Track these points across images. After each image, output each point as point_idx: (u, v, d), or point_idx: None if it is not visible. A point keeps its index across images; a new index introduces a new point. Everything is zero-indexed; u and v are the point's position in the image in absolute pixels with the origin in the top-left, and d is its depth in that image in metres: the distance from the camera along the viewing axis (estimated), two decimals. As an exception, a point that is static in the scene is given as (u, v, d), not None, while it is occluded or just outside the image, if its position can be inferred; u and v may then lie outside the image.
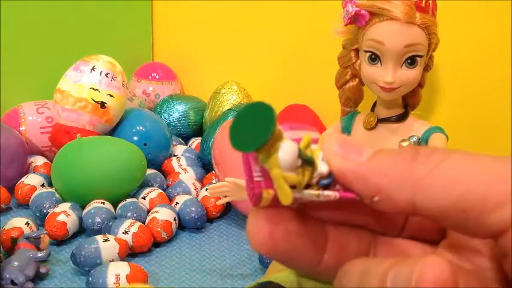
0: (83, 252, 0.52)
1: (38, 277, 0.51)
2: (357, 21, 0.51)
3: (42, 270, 0.51)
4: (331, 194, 0.17)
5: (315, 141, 0.17)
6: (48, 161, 0.70)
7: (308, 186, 0.17)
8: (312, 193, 0.16)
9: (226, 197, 0.48)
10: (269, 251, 0.17)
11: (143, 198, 0.64)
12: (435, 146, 0.15)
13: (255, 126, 0.15)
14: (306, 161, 0.16)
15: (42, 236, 0.52)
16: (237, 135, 0.16)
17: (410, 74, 0.51)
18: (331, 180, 0.17)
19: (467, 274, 0.16)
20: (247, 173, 0.17)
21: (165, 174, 0.72)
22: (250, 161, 0.17)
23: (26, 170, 0.68)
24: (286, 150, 0.16)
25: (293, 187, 0.16)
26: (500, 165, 0.14)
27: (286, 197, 0.15)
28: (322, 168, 0.17)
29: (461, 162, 0.15)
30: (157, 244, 0.58)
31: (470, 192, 0.14)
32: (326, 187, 0.17)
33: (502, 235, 0.14)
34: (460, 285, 0.14)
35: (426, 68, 0.55)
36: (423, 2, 0.50)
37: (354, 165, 0.16)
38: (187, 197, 0.63)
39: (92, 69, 0.70)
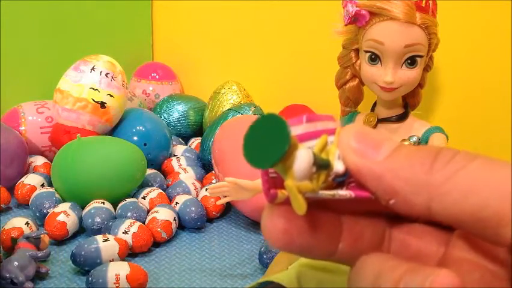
0: (83, 252, 0.51)
1: (38, 277, 0.51)
2: (357, 21, 0.51)
3: (42, 270, 0.51)
4: (346, 194, 0.16)
5: (332, 132, 0.17)
6: (48, 161, 0.70)
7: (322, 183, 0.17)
8: (327, 193, 0.16)
9: (226, 197, 0.48)
10: (284, 246, 0.17)
11: (143, 198, 0.64)
12: (455, 149, 0.15)
13: (270, 141, 0.15)
14: (322, 166, 0.16)
15: (42, 236, 0.52)
16: (252, 150, 0.15)
17: (410, 74, 0.51)
18: (346, 177, 0.17)
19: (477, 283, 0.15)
20: None
21: (165, 174, 0.72)
22: None
23: (26, 170, 0.68)
24: (300, 161, 0.15)
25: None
26: None
27: (300, 207, 0.15)
28: (338, 167, 0.16)
29: (480, 170, 0.14)
30: (157, 244, 0.58)
31: (487, 204, 0.14)
32: (341, 183, 0.17)
33: None
34: None
35: (426, 68, 0.55)
36: (424, 2, 0.50)
37: (371, 163, 0.16)
38: (187, 197, 0.63)
39: (92, 69, 0.70)
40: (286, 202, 0.16)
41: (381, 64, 0.51)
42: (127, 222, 0.56)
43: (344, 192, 0.16)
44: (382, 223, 0.18)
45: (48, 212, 0.58)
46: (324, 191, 0.16)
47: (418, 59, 0.51)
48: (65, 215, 0.57)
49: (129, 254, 0.55)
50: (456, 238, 0.18)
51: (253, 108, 0.77)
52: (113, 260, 0.52)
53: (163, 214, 0.58)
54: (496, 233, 0.14)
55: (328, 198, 0.16)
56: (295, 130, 0.16)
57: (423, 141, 0.52)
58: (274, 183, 0.16)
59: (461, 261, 0.17)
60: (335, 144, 0.17)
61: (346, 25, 0.53)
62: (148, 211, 0.61)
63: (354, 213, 0.18)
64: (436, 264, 0.18)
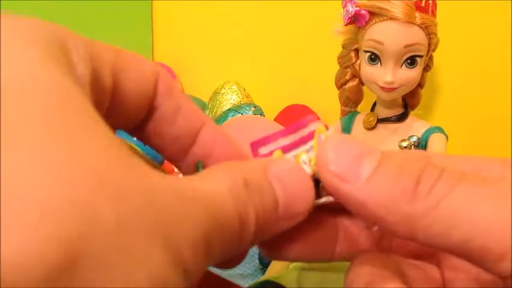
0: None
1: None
2: (357, 21, 0.51)
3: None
4: (326, 200, 0.16)
5: (310, 137, 0.17)
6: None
7: None
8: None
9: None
10: (278, 257, 0.17)
11: (143, 198, 0.64)
12: (439, 170, 0.14)
13: None
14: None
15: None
16: None
17: (410, 74, 0.51)
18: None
19: None
20: None
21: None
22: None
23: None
24: None
25: None
26: (503, 205, 0.13)
27: None
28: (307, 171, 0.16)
29: (463, 200, 0.14)
30: (157, 244, 0.58)
31: (471, 238, 0.13)
32: (316, 185, 0.17)
33: (507, 279, 0.13)
34: None
35: (426, 68, 0.55)
36: (423, 2, 0.50)
37: (352, 189, 0.15)
38: (187, 197, 0.63)
39: (92, 69, 0.70)
40: None
41: (381, 64, 0.51)
42: (127, 222, 0.56)
43: (323, 200, 0.16)
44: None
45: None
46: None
47: (418, 59, 0.51)
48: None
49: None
50: None
51: (253, 108, 0.77)
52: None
53: (163, 214, 0.58)
54: (481, 264, 0.14)
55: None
56: (282, 142, 0.17)
57: (423, 141, 0.52)
58: None
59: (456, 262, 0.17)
60: (315, 147, 0.17)
61: (346, 25, 0.53)
62: (148, 211, 0.61)
63: (349, 216, 0.18)
64: (436, 261, 0.18)
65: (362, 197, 0.15)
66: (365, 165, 0.15)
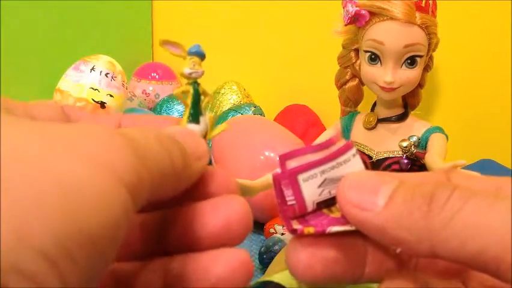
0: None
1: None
2: (357, 21, 0.51)
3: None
4: (349, 228, 0.17)
5: (337, 154, 0.17)
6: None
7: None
8: (335, 229, 0.17)
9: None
10: (309, 281, 0.17)
11: (143, 198, 0.64)
12: (451, 187, 0.16)
13: None
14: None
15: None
16: None
17: (410, 74, 0.51)
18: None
19: None
20: (279, 195, 0.18)
21: (165, 174, 0.72)
22: (281, 186, 0.17)
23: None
24: None
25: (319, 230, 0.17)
26: None
27: None
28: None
29: (476, 214, 0.14)
30: (157, 244, 0.58)
31: (486, 250, 0.14)
32: (330, 205, 0.18)
33: None
34: None
35: (426, 68, 0.55)
36: (423, 1, 0.50)
37: (372, 216, 0.16)
38: (187, 197, 0.63)
39: (92, 69, 0.70)
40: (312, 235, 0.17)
41: (381, 64, 0.51)
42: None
43: (347, 227, 0.17)
44: None
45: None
46: (336, 228, 0.17)
47: (418, 59, 0.51)
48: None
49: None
50: None
51: (253, 108, 0.77)
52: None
53: (163, 214, 0.58)
54: (497, 274, 0.14)
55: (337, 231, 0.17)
56: (310, 157, 0.18)
57: (423, 141, 0.52)
58: (294, 211, 0.18)
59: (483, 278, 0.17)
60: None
61: (346, 25, 0.53)
62: (148, 211, 0.61)
63: None
64: (462, 279, 0.18)
65: (380, 222, 0.16)
66: (381, 193, 0.16)
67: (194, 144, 0.18)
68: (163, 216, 0.19)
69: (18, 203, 0.12)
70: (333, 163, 0.17)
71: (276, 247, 0.53)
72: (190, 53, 0.20)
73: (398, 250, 0.16)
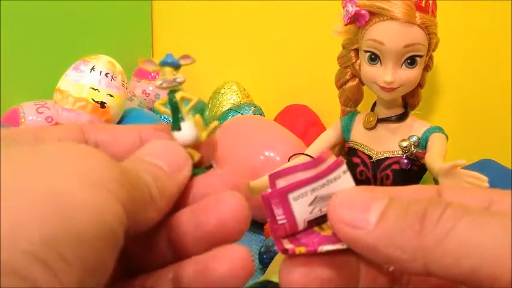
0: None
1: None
2: (357, 21, 0.51)
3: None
4: (340, 247, 0.17)
5: (328, 171, 0.17)
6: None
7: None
8: (327, 249, 0.17)
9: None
10: None
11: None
12: (443, 205, 0.16)
13: None
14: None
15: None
16: None
17: (410, 74, 0.51)
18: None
19: None
20: (270, 214, 0.18)
21: (165, 174, 0.72)
22: (272, 205, 0.17)
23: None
24: None
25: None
26: (507, 235, 0.14)
27: None
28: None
29: (470, 231, 0.14)
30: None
31: (482, 267, 0.14)
32: (321, 222, 0.18)
33: None
34: None
35: (426, 68, 0.55)
36: (423, 1, 0.50)
37: (364, 234, 0.16)
38: (187, 197, 0.63)
39: (92, 69, 0.70)
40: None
41: (381, 64, 0.51)
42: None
43: (338, 246, 0.17)
44: None
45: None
46: (327, 247, 0.17)
47: (418, 58, 0.51)
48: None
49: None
50: None
51: (253, 108, 0.77)
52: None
53: (163, 214, 0.58)
54: None
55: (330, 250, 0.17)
56: (300, 176, 0.17)
57: (423, 141, 0.52)
58: (285, 230, 0.17)
59: None
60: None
61: (346, 25, 0.53)
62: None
63: None
64: None
65: (372, 240, 0.16)
66: (372, 211, 0.16)
67: (172, 158, 0.19)
68: (163, 226, 0.19)
69: (9, 209, 0.12)
70: (324, 181, 0.17)
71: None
72: (160, 64, 0.20)
73: (391, 268, 0.16)
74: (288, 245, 0.17)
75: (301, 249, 0.17)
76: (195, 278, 0.17)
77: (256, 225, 0.61)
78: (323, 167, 0.17)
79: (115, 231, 0.14)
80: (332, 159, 0.18)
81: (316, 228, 0.18)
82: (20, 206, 0.13)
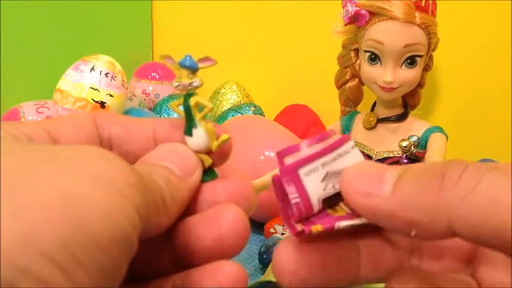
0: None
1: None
2: (357, 21, 0.51)
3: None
4: (358, 222, 0.16)
5: (334, 146, 0.17)
6: (48, 161, 0.70)
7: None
8: (345, 224, 0.16)
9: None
10: (296, 286, 0.17)
11: (143, 198, 0.64)
12: (461, 164, 0.14)
13: None
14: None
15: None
16: None
17: (410, 74, 0.51)
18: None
19: None
20: (281, 196, 0.17)
21: (165, 174, 0.72)
22: (283, 183, 0.17)
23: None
24: None
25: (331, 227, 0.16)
26: None
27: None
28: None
29: (495, 188, 0.13)
30: (156, 244, 0.58)
31: (509, 227, 0.13)
32: (333, 204, 0.17)
33: None
34: None
35: (426, 68, 0.55)
36: (423, 1, 0.50)
37: (379, 202, 0.15)
38: (187, 196, 0.63)
39: (92, 69, 0.70)
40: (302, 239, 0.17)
41: (380, 64, 0.51)
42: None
43: (355, 221, 0.16)
44: (405, 240, 0.18)
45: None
46: (346, 222, 0.16)
47: (418, 58, 0.51)
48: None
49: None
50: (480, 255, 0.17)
51: (253, 108, 0.77)
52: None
53: (163, 214, 0.58)
54: None
55: (347, 228, 0.16)
56: (307, 151, 0.17)
57: (423, 140, 0.52)
58: (299, 211, 0.17)
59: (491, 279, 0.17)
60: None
61: (346, 25, 0.53)
62: (148, 211, 0.61)
63: (371, 235, 0.18)
64: (470, 273, 0.18)
65: (390, 206, 0.15)
66: (388, 179, 0.15)
67: (184, 161, 0.19)
68: (168, 233, 0.19)
69: (25, 210, 0.12)
70: (334, 154, 0.17)
71: (276, 247, 0.53)
72: (180, 66, 0.20)
73: (413, 233, 0.15)
74: (303, 227, 0.16)
75: (318, 228, 0.16)
76: None
77: (256, 225, 0.61)
78: (330, 141, 0.17)
79: (129, 236, 0.14)
80: (338, 135, 0.17)
81: (329, 211, 0.17)
82: (35, 207, 0.12)
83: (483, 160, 0.62)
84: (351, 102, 0.59)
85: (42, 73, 0.81)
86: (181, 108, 0.21)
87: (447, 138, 0.52)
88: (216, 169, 0.21)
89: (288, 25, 0.82)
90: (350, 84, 0.57)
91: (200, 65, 0.20)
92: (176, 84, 0.20)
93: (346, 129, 0.57)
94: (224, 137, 0.20)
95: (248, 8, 0.86)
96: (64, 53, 0.81)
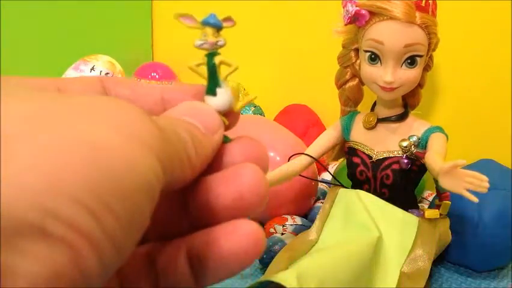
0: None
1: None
2: (357, 20, 0.51)
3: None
4: None
5: None
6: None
7: None
8: None
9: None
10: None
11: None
12: None
13: None
14: None
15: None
16: None
17: (410, 74, 0.51)
18: None
19: None
20: None
21: (165, 174, 0.72)
22: None
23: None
24: None
25: None
26: None
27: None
28: None
29: None
30: (156, 244, 0.58)
31: None
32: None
33: None
34: None
35: (426, 68, 0.55)
36: (423, 1, 0.50)
37: None
38: (187, 196, 0.63)
39: (92, 69, 0.70)
40: None
41: (381, 64, 0.51)
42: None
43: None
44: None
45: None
46: None
47: (418, 58, 0.51)
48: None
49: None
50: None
51: (253, 108, 0.77)
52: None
53: (163, 214, 0.58)
54: None
55: None
56: None
57: (423, 140, 0.52)
58: None
59: None
60: None
61: (346, 25, 0.53)
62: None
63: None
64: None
65: None
66: None
67: (208, 119, 0.19)
68: (184, 192, 0.18)
69: (48, 153, 0.12)
70: None
71: (276, 247, 0.53)
72: (202, 23, 0.20)
73: None
74: None
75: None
76: (205, 251, 0.17)
77: (256, 225, 0.61)
78: None
79: (153, 186, 0.14)
80: None
81: None
82: (59, 151, 0.12)
83: (483, 160, 0.62)
84: (351, 102, 0.59)
85: (42, 73, 0.81)
86: (202, 68, 0.20)
87: (447, 138, 0.52)
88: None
89: (288, 25, 0.83)
90: (350, 84, 0.57)
91: (224, 24, 0.20)
92: (201, 42, 0.20)
93: (346, 129, 0.57)
94: (250, 97, 0.21)
95: (248, 8, 0.86)
96: (64, 53, 0.81)
